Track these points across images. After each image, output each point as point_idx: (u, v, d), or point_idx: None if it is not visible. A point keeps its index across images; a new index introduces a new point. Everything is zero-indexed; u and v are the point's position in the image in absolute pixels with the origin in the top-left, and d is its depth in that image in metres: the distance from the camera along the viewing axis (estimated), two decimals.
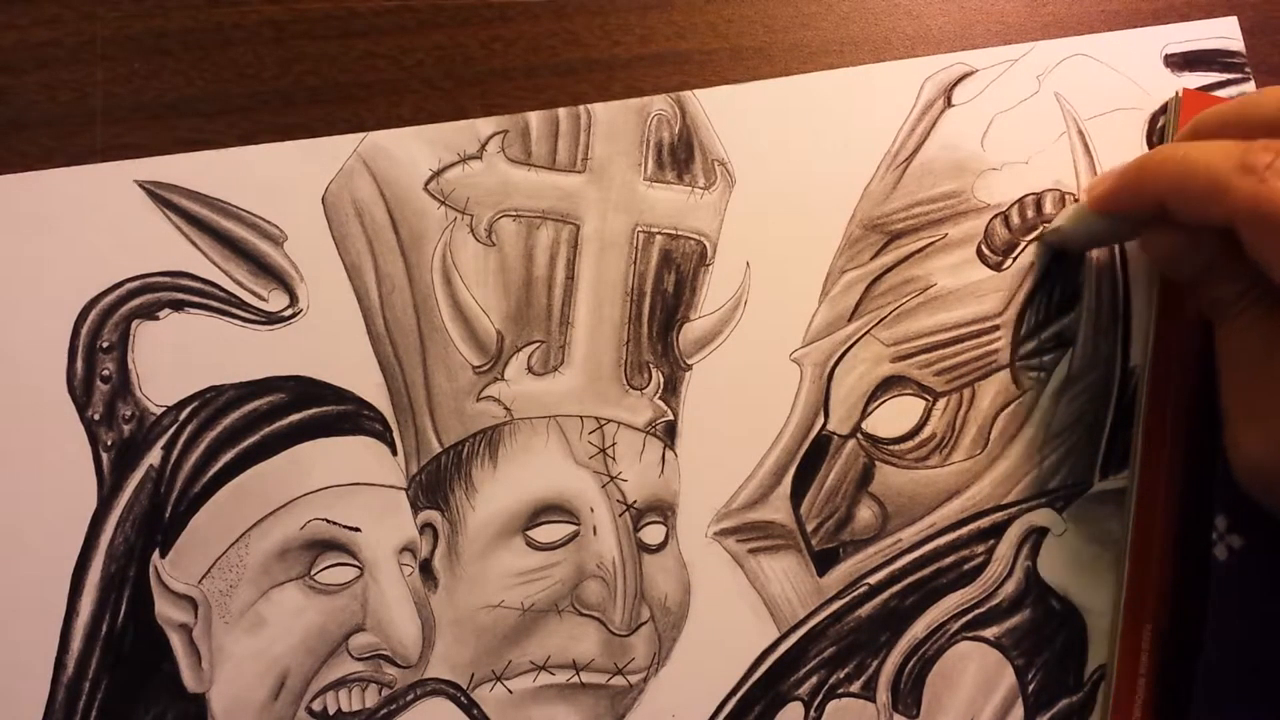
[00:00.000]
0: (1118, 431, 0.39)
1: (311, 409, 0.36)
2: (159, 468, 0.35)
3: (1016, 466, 0.39)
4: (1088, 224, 0.37)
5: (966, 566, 0.38)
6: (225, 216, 0.37)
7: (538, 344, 0.37)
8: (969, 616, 0.38)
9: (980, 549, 0.38)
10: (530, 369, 0.37)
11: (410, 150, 0.38)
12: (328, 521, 0.35)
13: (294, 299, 0.36)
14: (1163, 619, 0.37)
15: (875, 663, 0.37)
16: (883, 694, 0.37)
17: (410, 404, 0.36)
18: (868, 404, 0.38)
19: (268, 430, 0.35)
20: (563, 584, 0.36)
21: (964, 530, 0.38)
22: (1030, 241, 0.40)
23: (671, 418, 0.37)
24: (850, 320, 0.39)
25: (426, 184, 0.38)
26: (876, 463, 0.38)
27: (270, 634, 0.34)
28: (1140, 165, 0.34)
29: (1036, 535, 0.38)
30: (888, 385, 0.39)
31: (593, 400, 0.37)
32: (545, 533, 0.36)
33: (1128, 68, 0.42)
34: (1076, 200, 0.40)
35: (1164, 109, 0.41)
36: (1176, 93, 0.41)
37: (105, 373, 0.35)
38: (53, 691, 0.33)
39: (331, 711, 0.34)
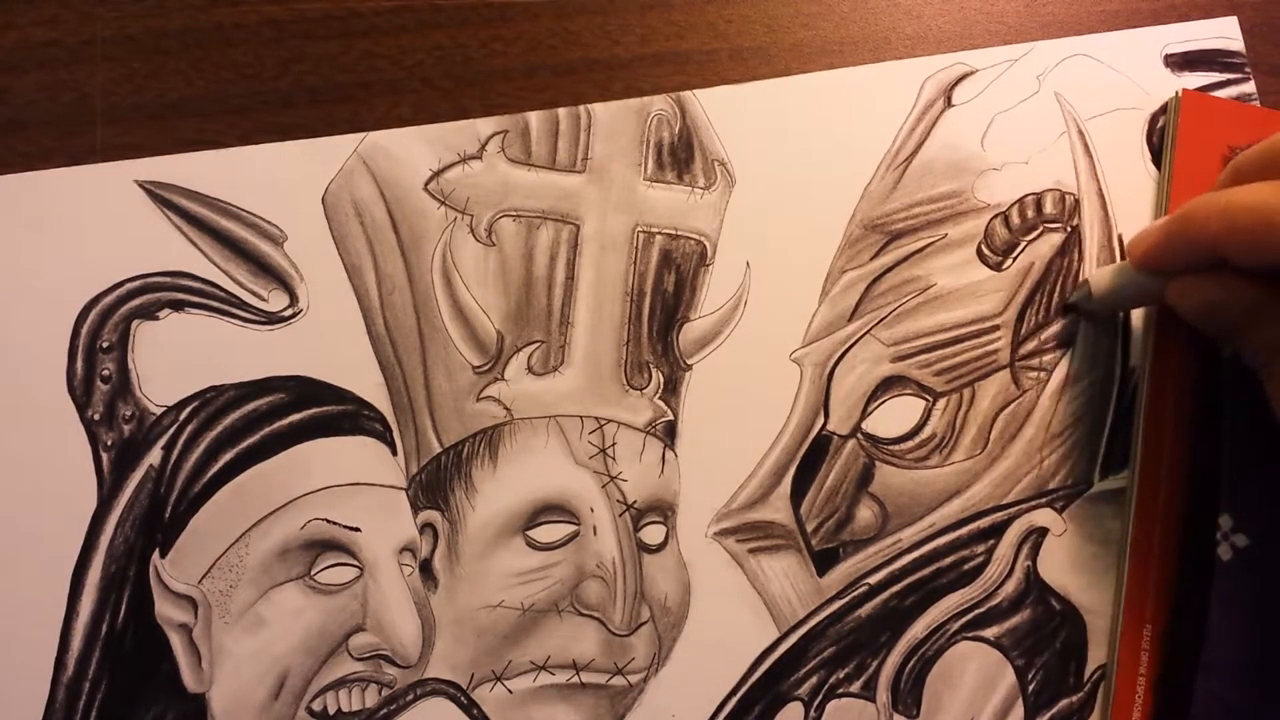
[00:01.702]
0: (1118, 431, 0.39)
1: (311, 409, 0.36)
2: (159, 468, 0.35)
3: (1016, 466, 0.39)
4: (1126, 283, 0.36)
5: (966, 566, 0.38)
6: (225, 216, 0.37)
7: (538, 344, 0.37)
8: (969, 616, 0.38)
9: (980, 549, 0.38)
10: (530, 369, 0.37)
11: (410, 150, 0.38)
12: (328, 521, 0.35)
13: (294, 299, 0.36)
14: (1162, 619, 0.37)
15: (875, 663, 0.37)
16: (883, 694, 0.37)
17: (410, 404, 0.36)
18: (868, 404, 0.38)
19: (268, 430, 0.35)
20: (563, 584, 0.36)
21: (964, 530, 0.38)
22: (1058, 321, 0.39)
23: (671, 418, 0.37)
24: (850, 320, 0.39)
25: (426, 184, 0.38)
26: (876, 463, 0.38)
27: (270, 634, 0.34)
28: (1185, 216, 0.33)
29: (1036, 535, 0.38)
30: (888, 385, 0.39)
31: (593, 400, 0.37)
32: (545, 533, 0.36)
33: (1128, 68, 0.42)
34: (1084, 283, 0.39)
35: (1164, 109, 0.41)
36: (1176, 93, 0.41)
37: (105, 373, 0.35)
38: (53, 691, 0.33)
39: (331, 711, 0.34)
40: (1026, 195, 0.40)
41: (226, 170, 0.37)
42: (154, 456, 0.35)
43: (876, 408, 0.38)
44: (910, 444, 0.38)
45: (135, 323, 0.36)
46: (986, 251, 0.40)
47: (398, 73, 0.38)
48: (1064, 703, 0.37)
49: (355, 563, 0.35)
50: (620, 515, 0.36)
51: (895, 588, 0.37)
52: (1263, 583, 0.35)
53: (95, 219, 0.36)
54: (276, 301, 0.36)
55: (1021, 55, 0.41)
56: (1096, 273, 0.38)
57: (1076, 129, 0.41)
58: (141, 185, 0.36)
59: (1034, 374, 0.39)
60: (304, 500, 0.35)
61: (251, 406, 0.36)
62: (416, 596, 0.35)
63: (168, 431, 0.35)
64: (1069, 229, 0.40)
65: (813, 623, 0.37)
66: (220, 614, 0.34)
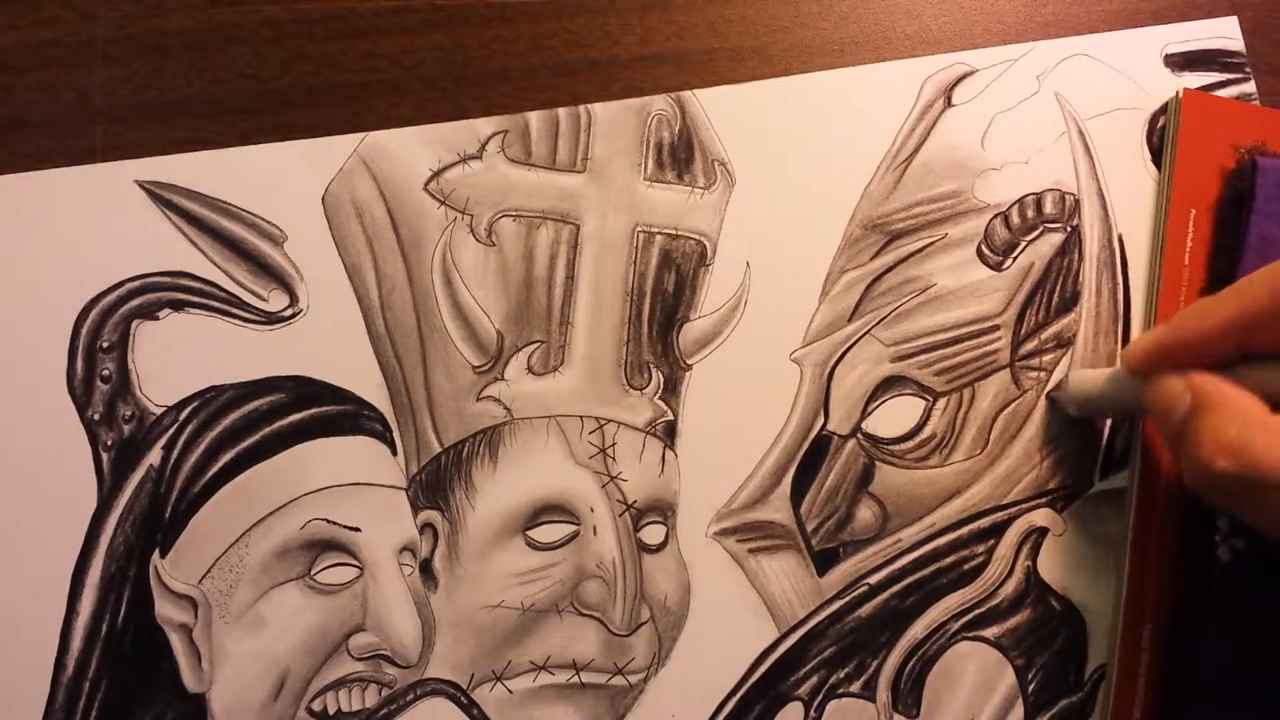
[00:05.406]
0: (1118, 431, 0.39)
1: (311, 409, 0.36)
2: (159, 467, 0.35)
3: (1016, 466, 0.39)
4: (1118, 388, 0.36)
5: (966, 566, 0.38)
6: (225, 216, 0.37)
7: (538, 344, 0.37)
8: (969, 616, 0.38)
9: (980, 549, 0.38)
10: (530, 369, 0.37)
11: (410, 150, 0.38)
12: (328, 521, 0.35)
13: (294, 299, 0.36)
14: (1163, 619, 0.37)
15: (875, 663, 0.37)
16: (883, 694, 0.37)
17: (410, 404, 0.36)
18: (868, 404, 0.38)
19: (268, 430, 0.35)
20: (563, 584, 0.36)
21: (964, 530, 0.38)
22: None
23: (671, 418, 0.37)
24: (850, 320, 0.39)
25: (426, 184, 0.38)
26: (876, 463, 0.38)
27: (270, 634, 0.34)
28: (1182, 317, 0.32)
29: (1036, 535, 0.38)
30: (888, 385, 0.39)
31: (593, 400, 0.37)
32: (545, 533, 0.36)
33: (1128, 68, 0.42)
34: (1062, 382, 0.39)
35: (1164, 109, 0.41)
36: (1177, 93, 0.41)
37: (105, 373, 0.35)
38: (53, 691, 0.33)
39: (331, 711, 0.34)
40: (1026, 195, 0.40)
41: (226, 170, 0.37)
42: (154, 456, 0.35)
43: (876, 408, 0.38)
44: (910, 444, 0.38)
45: (135, 323, 0.36)
46: (986, 251, 0.40)
47: (398, 73, 0.38)
48: (1064, 703, 0.37)
49: (355, 563, 0.35)
50: (620, 515, 0.36)
51: (895, 588, 0.37)
52: (1261, 584, 0.35)
53: (95, 219, 0.36)
54: (276, 301, 0.36)
55: (1021, 55, 0.41)
56: (1092, 374, 0.37)
57: (1076, 129, 0.41)
58: (141, 185, 0.36)
59: (1034, 374, 0.39)
60: (304, 500, 0.35)
61: (251, 406, 0.36)
62: (416, 596, 0.35)
63: (168, 431, 0.35)
64: (1069, 229, 0.40)
65: (813, 623, 0.37)
66: (220, 614, 0.34)
